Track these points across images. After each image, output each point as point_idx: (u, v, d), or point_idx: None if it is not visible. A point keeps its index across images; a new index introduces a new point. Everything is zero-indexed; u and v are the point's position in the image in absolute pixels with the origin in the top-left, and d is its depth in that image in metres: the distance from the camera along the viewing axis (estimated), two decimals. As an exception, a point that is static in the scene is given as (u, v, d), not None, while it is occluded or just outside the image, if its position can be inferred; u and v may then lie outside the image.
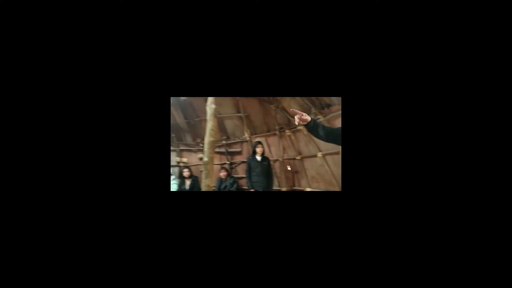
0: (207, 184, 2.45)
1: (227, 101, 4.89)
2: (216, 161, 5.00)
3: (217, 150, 5.03)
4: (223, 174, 4.06)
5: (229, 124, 5.22)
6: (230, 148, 5.25)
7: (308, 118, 1.15)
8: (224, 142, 5.19)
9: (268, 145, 4.95)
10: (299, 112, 1.14)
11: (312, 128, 1.18)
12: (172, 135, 4.86)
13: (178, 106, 4.90)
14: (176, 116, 5.12)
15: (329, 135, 1.20)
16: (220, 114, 4.76)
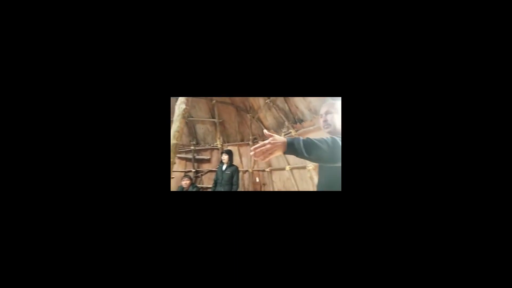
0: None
1: (201, 104, 4.50)
2: (181, 168, 4.62)
3: (183, 155, 4.69)
4: (185, 182, 3.62)
5: (201, 129, 4.81)
6: (198, 155, 4.81)
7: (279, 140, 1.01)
8: (192, 147, 4.78)
9: (240, 155, 4.64)
10: (271, 134, 1.04)
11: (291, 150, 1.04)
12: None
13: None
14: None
15: (311, 151, 1.06)
16: (191, 117, 4.48)
